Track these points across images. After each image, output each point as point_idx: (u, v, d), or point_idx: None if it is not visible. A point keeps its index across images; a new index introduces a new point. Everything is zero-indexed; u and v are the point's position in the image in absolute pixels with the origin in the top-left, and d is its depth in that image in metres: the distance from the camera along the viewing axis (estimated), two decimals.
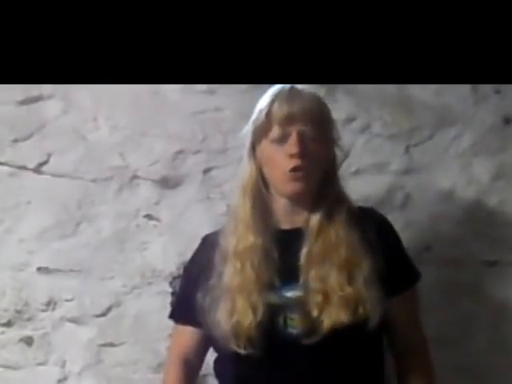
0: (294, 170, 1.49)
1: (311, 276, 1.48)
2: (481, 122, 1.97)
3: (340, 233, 1.51)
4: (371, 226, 1.52)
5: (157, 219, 1.94)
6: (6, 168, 1.94)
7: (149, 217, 1.94)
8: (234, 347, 1.46)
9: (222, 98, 1.95)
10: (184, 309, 1.62)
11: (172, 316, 1.70)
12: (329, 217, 1.52)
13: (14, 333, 1.91)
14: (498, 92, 1.97)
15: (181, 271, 1.92)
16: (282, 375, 1.47)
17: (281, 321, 1.46)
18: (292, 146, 1.48)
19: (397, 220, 1.70)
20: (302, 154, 1.48)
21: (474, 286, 1.94)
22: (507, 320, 1.92)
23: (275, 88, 1.55)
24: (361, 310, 1.44)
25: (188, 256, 1.92)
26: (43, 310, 1.91)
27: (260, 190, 1.56)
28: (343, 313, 1.44)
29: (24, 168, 1.94)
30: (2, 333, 1.91)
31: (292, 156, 1.48)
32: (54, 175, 1.94)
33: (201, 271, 1.55)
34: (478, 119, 1.97)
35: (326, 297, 1.45)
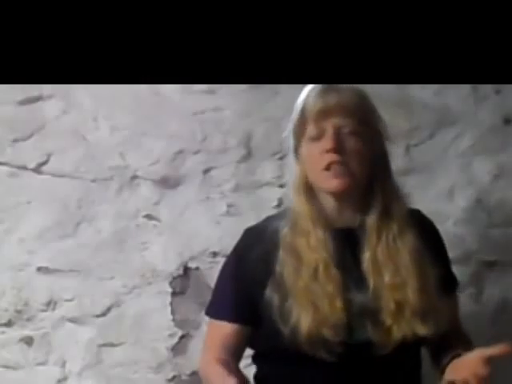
0: (331, 165, 1.42)
1: (381, 282, 1.41)
2: (481, 122, 1.97)
3: (403, 235, 1.44)
4: (423, 229, 1.47)
5: (157, 219, 1.94)
6: (5, 168, 1.94)
7: (149, 217, 1.94)
8: (308, 350, 1.37)
9: (222, 97, 1.95)
10: (239, 307, 1.50)
11: (219, 314, 1.54)
12: (386, 216, 1.45)
13: (14, 333, 1.91)
14: (498, 92, 1.97)
15: (181, 271, 1.92)
16: (346, 381, 1.42)
17: (357, 326, 1.39)
18: (327, 141, 1.42)
19: None
20: (338, 148, 1.41)
21: (474, 286, 1.94)
22: (507, 320, 1.92)
23: (311, 85, 1.50)
24: (434, 321, 1.39)
25: (188, 255, 1.92)
26: (43, 310, 1.91)
27: (311, 188, 1.49)
28: (418, 324, 1.38)
29: (24, 168, 1.94)
30: (2, 333, 1.91)
31: (328, 151, 1.41)
32: (54, 175, 1.94)
33: (258, 267, 1.46)
34: (478, 119, 1.97)
35: (401, 306, 1.39)
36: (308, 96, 1.47)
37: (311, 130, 1.45)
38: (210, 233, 1.92)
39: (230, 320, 1.51)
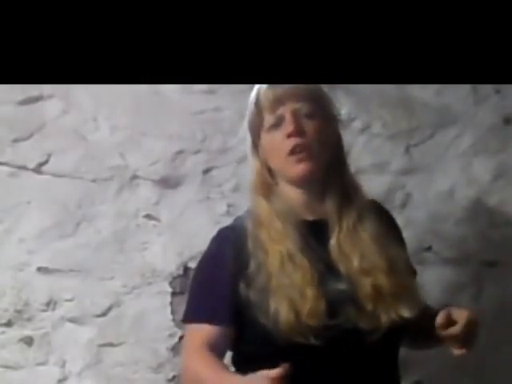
0: (295, 149, 1.42)
1: (351, 268, 1.41)
2: (481, 122, 1.97)
3: (363, 221, 1.46)
4: (381, 216, 1.50)
5: (157, 219, 1.94)
6: (5, 168, 1.94)
7: (149, 217, 1.94)
8: (298, 338, 1.33)
9: (222, 97, 1.96)
10: (220, 308, 1.44)
11: (199, 317, 1.47)
12: (345, 204, 1.46)
13: (14, 333, 1.91)
14: (498, 92, 1.98)
15: (181, 271, 1.92)
16: (337, 369, 1.39)
17: (340, 312, 1.37)
18: (287, 125, 1.42)
19: (397, 220, 1.70)
20: (299, 130, 1.42)
21: (474, 286, 1.94)
22: (507, 320, 1.92)
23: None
24: (413, 302, 1.41)
25: (188, 255, 1.92)
26: (43, 310, 1.91)
27: (271, 185, 1.50)
28: (401, 307, 1.39)
29: (24, 168, 1.94)
30: (2, 333, 1.91)
31: (289, 135, 1.42)
32: (54, 175, 1.94)
33: (234, 265, 1.43)
34: (478, 119, 1.98)
35: (378, 291, 1.39)
36: (259, 90, 1.49)
37: (269, 118, 1.46)
38: (210, 233, 1.91)
39: (212, 322, 1.44)
